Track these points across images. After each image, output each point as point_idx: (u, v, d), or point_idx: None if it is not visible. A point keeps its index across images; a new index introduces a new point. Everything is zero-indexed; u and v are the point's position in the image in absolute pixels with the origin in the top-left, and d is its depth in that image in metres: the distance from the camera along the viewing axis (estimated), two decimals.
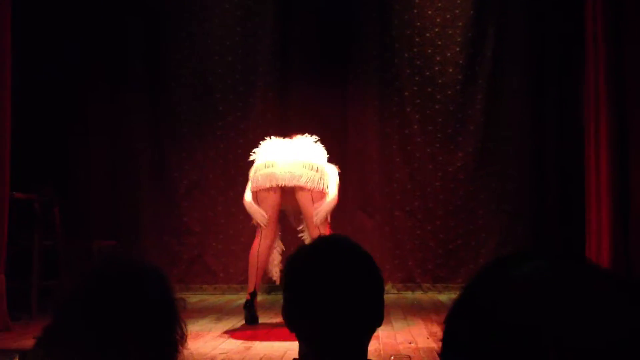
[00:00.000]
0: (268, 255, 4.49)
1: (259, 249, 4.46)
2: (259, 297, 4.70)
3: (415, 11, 6.22)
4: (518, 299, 0.58)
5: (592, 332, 0.55)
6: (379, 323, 1.33)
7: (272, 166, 4.43)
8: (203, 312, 4.98)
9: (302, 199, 4.43)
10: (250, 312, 4.38)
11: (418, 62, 6.23)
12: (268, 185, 4.42)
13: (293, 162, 4.43)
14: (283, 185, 4.39)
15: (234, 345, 3.80)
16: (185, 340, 1.15)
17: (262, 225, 4.44)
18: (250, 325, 4.36)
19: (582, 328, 0.55)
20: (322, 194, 4.43)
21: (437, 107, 6.23)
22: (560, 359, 0.54)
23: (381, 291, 1.34)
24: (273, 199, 4.44)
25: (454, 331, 0.62)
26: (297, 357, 1.36)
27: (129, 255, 1.20)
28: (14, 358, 2.10)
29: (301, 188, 4.40)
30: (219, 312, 5.03)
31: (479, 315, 0.59)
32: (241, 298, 5.35)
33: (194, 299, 5.80)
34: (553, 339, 0.55)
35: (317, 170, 4.45)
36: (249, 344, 3.84)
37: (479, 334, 0.58)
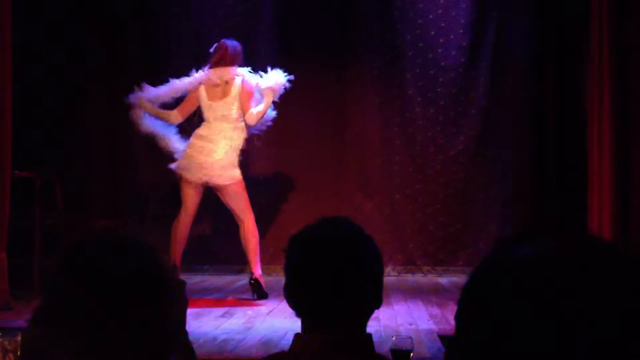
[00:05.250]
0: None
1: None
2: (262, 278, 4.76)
3: None
4: (530, 277, 0.58)
5: (602, 304, 0.55)
6: (378, 301, 1.36)
7: None
8: (204, 292, 5.00)
9: None
10: None
11: (420, 44, 6.20)
12: None
13: None
14: None
15: (235, 325, 3.82)
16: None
17: None
18: (252, 304, 4.41)
19: (593, 301, 0.56)
20: None
21: (439, 89, 6.20)
22: (577, 333, 0.55)
23: (381, 272, 1.37)
24: None
25: (468, 310, 0.62)
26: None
27: (118, 230, 1.17)
28: (16, 336, 2.11)
29: None
30: (220, 292, 5.05)
31: (492, 296, 0.59)
32: (242, 278, 5.39)
33: (194, 279, 5.81)
34: (571, 315, 0.55)
35: None
36: (250, 324, 3.86)
37: (493, 314, 0.59)
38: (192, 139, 4.74)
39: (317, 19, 6.18)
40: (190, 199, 4.79)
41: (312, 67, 6.19)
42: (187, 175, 4.73)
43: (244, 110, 4.69)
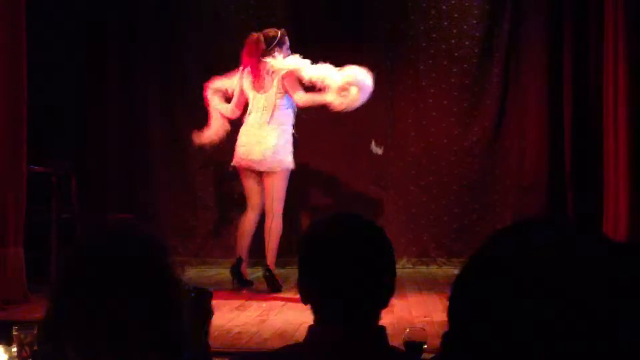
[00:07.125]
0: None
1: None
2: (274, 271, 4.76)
3: None
4: (526, 266, 0.58)
5: (597, 299, 0.55)
6: (390, 295, 1.36)
7: None
8: (218, 285, 5.02)
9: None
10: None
11: (434, 35, 6.17)
12: None
13: None
14: None
15: (249, 318, 3.83)
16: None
17: None
18: (267, 297, 4.43)
19: (584, 293, 0.55)
20: None
21: (452, 80, 6.18)
22: (566, 326, 0.54)
23: (393, 265, 1.38)
24: None
25: (460, 298, 0.62)
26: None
27: (128, 226, 1.17)
28: (33, 329, 2.13)
29: None
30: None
31: (486, 281, 0.59)
32: (256, 271, 5.40)
33: (209, 272, 5.84)
34: (561, 305, 0.55)
35: None
36: (264, 316, 3.87)
37: (486, 299, 0.59)
38: (242, 134, 4.77)
39: (329, 10, 6.17)
40: (254, 194, 4.79)
41: (324, 58, 6.16)
42: (245, 165, 4.71)
43: (291, 94, 4.73)
